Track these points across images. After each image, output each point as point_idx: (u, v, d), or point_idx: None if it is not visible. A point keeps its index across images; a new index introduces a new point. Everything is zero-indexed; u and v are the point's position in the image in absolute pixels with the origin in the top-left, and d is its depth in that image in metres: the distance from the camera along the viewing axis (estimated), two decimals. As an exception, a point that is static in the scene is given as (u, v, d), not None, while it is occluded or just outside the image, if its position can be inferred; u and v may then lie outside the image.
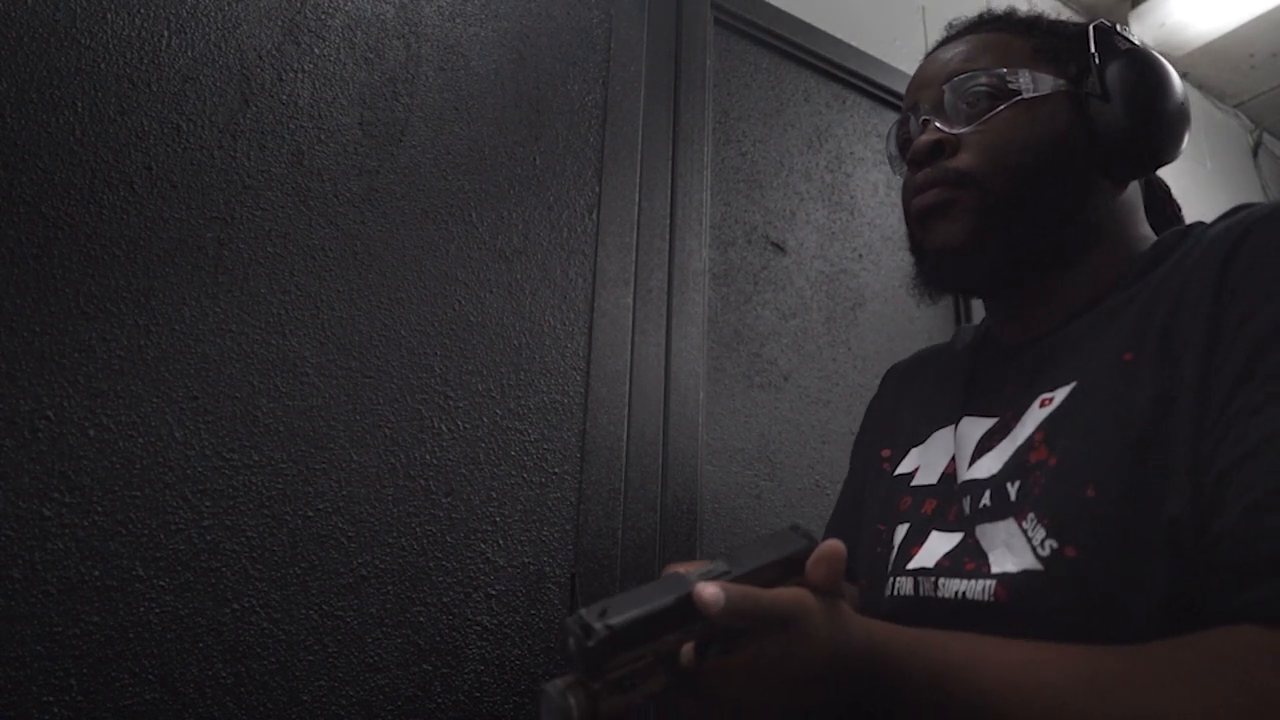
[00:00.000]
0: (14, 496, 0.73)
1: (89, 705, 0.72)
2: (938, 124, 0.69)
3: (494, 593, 0.94)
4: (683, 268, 1.22)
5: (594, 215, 1.16)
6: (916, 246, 0.72)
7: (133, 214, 0.84)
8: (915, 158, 0.69)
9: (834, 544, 0.51)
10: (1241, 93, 2.54)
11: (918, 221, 0.70)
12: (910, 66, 1.70)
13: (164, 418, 0.81)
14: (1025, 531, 0.56)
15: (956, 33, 0.75)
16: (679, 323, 1.19)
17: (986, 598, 0.57)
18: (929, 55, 0.75)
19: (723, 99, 1.38)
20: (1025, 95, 0.66)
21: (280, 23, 0.98)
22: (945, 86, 0.69)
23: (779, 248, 1.36)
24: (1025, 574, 0.55)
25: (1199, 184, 2.41)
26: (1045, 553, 0.55)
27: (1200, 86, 2.51)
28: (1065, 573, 0.53)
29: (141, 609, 0.76)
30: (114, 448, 0.78)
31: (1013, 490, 0.59)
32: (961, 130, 0.68)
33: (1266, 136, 2.71)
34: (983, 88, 0.67)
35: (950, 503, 0.66)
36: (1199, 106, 2.53)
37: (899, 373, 0.89)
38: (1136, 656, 0.46)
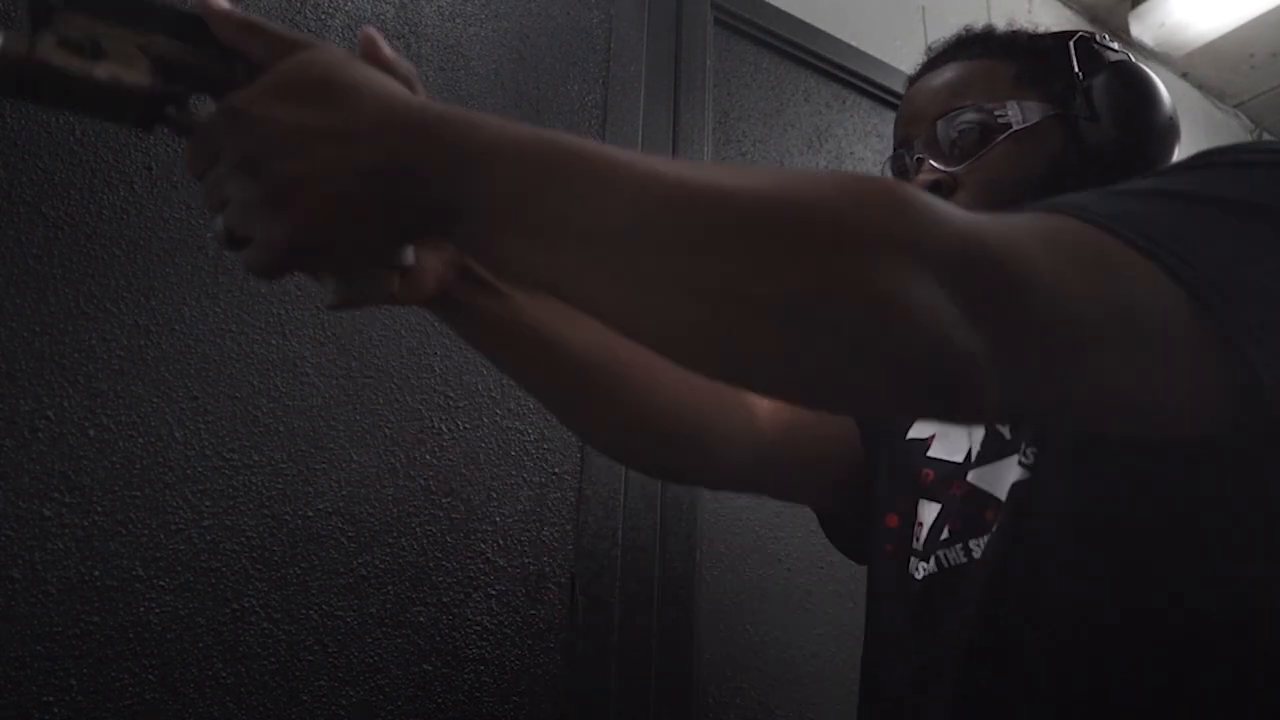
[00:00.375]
0: (14, 496, 0.73)
1: (89, 705, 0.72)
2: (933, 162, 0.70)
3: (494, 593, 0.94)
4: (683, 268, 1.22)
5: (594, 215, 1.16)
6: None
7: (133, 214, 0.84)
8: None
9: (367, 30, 0.50)
10: (1241, 93, 2.54)
11: None
12: (910, 66, 1.70)
13: (164, 418, 0.81)
14: (1024, 464, 0.59)
15: (939, 57, 0.76)
16: (679, 323, 1.19)
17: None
18: (915, 84, 0.76)
19: (723, 99, 1.38)
20: (1016, 128, 0.67)
21: (280, 23, 0.98)
22: (937, 123, 0.70)
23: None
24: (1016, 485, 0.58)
25: (1199, 184, 2.40)
26: (1029, 460, 0.57)
27: (1200, 86, 2.51)
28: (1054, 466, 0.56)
29: (141, 609, 0.76)
30: (114, 448, 0.78)
31: (1005, 429, 0.62)
32: (957, 169, 0.69)
33: (1266, 136, 2.71)
34: (973, 123, 0.68)
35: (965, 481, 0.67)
36: (1199, 106, 2.53)
37: None
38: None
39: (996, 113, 0.68)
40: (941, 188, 0.69)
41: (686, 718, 1.03)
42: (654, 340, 0.42)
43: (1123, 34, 2.26)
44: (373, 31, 0.51)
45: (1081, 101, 0.67)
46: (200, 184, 0.46)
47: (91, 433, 0.77)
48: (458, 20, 1.11)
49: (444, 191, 0.41)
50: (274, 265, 0.44)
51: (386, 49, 0.50)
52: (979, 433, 0.67)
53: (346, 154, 0.41)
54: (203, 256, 0.87)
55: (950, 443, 0.70)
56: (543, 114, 1.15)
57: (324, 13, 1.01)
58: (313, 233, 0.42)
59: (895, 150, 0.77)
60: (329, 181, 0.41)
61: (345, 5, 1.03)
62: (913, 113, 0.74)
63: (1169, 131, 0.69)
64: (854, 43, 1.61)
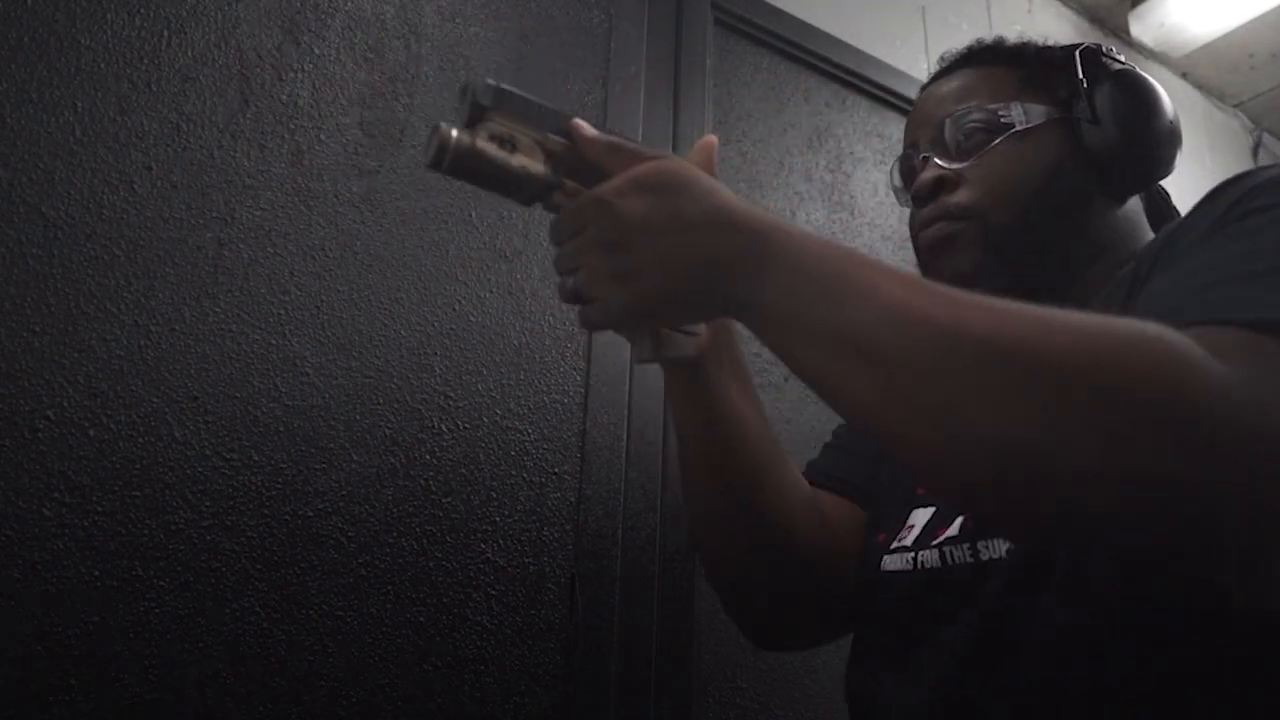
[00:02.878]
0: (14, 496, 0.73)
1: (89, 705, 0.72)
2: (937, 160, 0.71)
3: (494, 593, 0.94)
4: (683, 268, 1.22)
5: (594, 215, 1.16)
6: (924, 274, 0.75)
7: (133, 214, 0.84)
8: (918, 194, 0.73)
9: (709, 139, 0.63)
10: (1241, 93, 2.54)
11: (925, 255, 0.73)
12: (910, 66, 1.70)
13: (164, 418, 0.81)
14: None
15: (949, 66, 0.78)
16: (679, 323, 1.19)
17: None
18: (925, 90, 0.79)
19: (723, 99, 1.38)
20: (1019, 128, 0.69)
21: (280, 23, 0.98)
22: (943, 124, 0.72)
23: (779, 248, 1.36)
24: None
25: (1199, 184, 2.40)
26: None
27: (1200, 86, 2.51)
28: None
29: (141, 609, 0.76)
30: (114, 448, 0.78)
31: None
32: (960, 166, 0.70)
33: (1266, 136, 2.71)
34: (978, 123, 0.70)
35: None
36: (1199, 106, 2.53)
37: None
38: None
39: (1000, 113, 0.70)
40: (945, 184, 0.71)
41: (686, 718, 1.03)
42: (935, 472, 0.46)
43: (1122, 34, 2.26)
44: (712, 140, 0.64)
45: (1084, 105, 0.69)
46: (557, 249, 0.58)
47: (91, 433, 0.77)
48: (458, 20, 1.11)
49: (745, 287, 0.50)
50: (609, 325, 0.56)
51: (715, 159, 0.63)
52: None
53: (684, 243, 0.51)
54: (203, 256, 0.87)
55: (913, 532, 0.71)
56: (543, 114, 1.15)
57: (324, 13, 1.01)
58: (647, 303, 0.53)
59: (904, 151, 0.79)
60: (668, 264, 0.51)
61: (345, 5, 1.03)
62: (921, 116, 0.77)
63: (1170, 137, 0.71)
64: (854, 43, 1.61)
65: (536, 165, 0.57)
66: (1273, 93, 2.53)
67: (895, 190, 0.83)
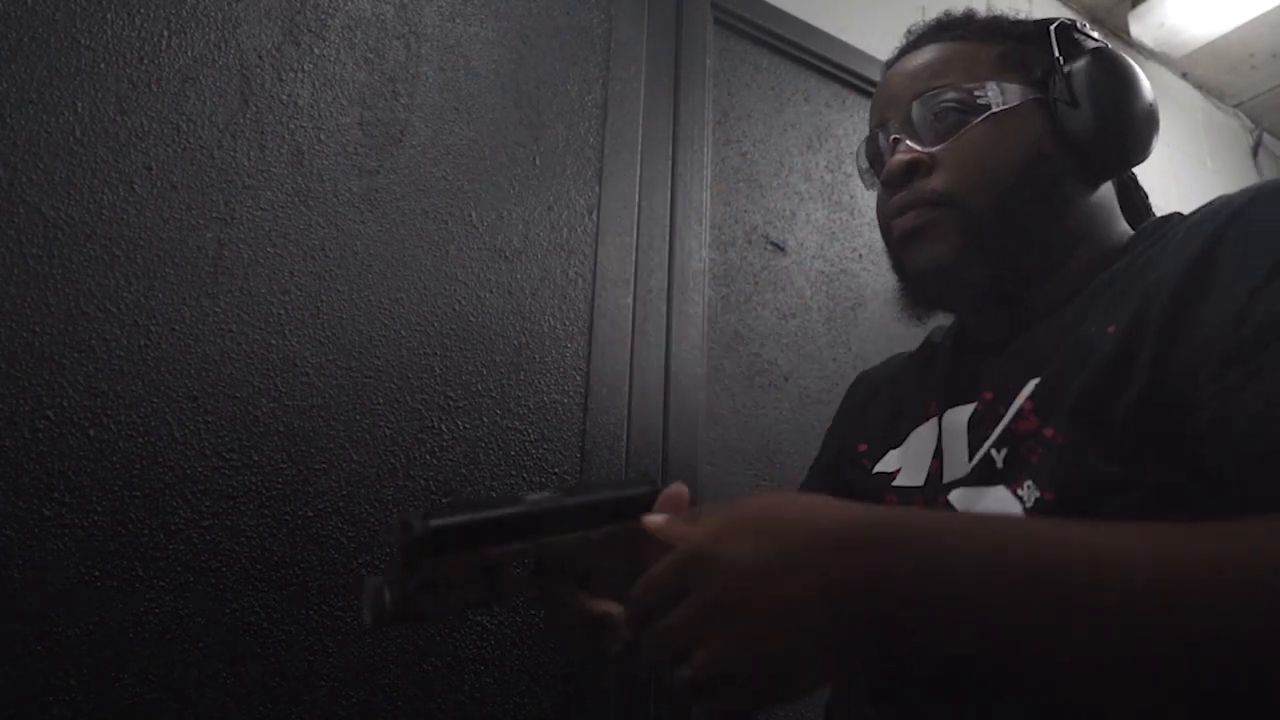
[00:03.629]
0: (14, 496, 0.73)
1: (89, 705, 0.72)
2: (909, 142, 0.68)
3: (494, 593, 0.94)
4: (683, 268, 1.22)
5: (594, 215, 1.16)
6: (898, 266, 0.72)
7: (133, 214, 0.84)
8: (890, 179, 0.69)
9: (679, 486, 0.51)
10: (1241, 93, 2.54)
11: (898, 244, 0.70)
12: (910, 66, 1.70)
13: (164, 418, 0.81)
14: (1021, 498, 0.56)
15: (917, 40, 0.74)
16: (679, 323, 1.19)
17: None
18: (892, 67, 0.75)
19: (723, 99, 1.38)
20: (995, 109, 0.66)
21: (280, 23, 0.98)
22: (914, 103, 0.68)
23: (779, 248, 1.36)
24: None
25: (1199, 184, 2.41)
26: (1029, 502, 0.55)
27: (1200, 86, 2.51)
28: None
29: (141, 609, 0.76)
30: (114, 448, 0.78)
31: (999, 457, 0.58)
32: (934, 149, 0.67)
33: (1266, 136, 2.71)
34: (952, 104, 0.66)
35: (937, 504, 0.65)
36: (1199, 106, 2.53)
37: (869, 378, 0.88)
38: (1224, 538, 0.42)
39: (976, 93, 0.66)
40: (919, 168, 0.67)
41: (687, 718, 1.03)
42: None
43: (1122, 34, 2.26)
44: (682, 490, 0.53)
45: (1062, 86, 0.66)
46: (644, 637, 0.45)
47: (91, 433, 0.77)
48: (458, 20, 1.11)
49: (907, 608, 0.41)
50: (757, 706, 0.43)
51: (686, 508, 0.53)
52: (959, 453, 0.65)
53: (816, 579, 0.41)
54: (203, 256, 0.87)
55: (912, 473, 0.70)
56: (543, 114, 1.15)
57: (324, 13, 1.01)
58: (798, 663, 0.42)
59: (871, 131, 0.74)
60: (808, 611, 0.41)
61: (345, 5, 1.03)
62: (890, 95, 0.72)
63: (1148, 120, 0.67)
64: (854, 43, 1.61)
65: (475, 594, 0.47)
66: (1273, 93, 2.53)
67: (862, 172, 0.78)
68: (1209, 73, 2.43)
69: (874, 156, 0.75)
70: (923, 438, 0.71)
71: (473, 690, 0.90)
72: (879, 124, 0.73)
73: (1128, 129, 0.66)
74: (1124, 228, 0.70)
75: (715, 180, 1.32)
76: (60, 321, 0.78)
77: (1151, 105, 0.67)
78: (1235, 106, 2.60)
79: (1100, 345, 0.56)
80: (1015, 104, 0.66)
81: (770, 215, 1.37)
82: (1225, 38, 2.28)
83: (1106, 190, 0.70)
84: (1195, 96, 2.49)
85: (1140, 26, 2.25)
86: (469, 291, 1.02)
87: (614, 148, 1.20)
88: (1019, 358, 0.65)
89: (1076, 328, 0.61)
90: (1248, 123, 2.65)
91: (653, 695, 1.00)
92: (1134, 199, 0.75)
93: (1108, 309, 0.59)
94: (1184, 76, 2.43)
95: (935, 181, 0.66)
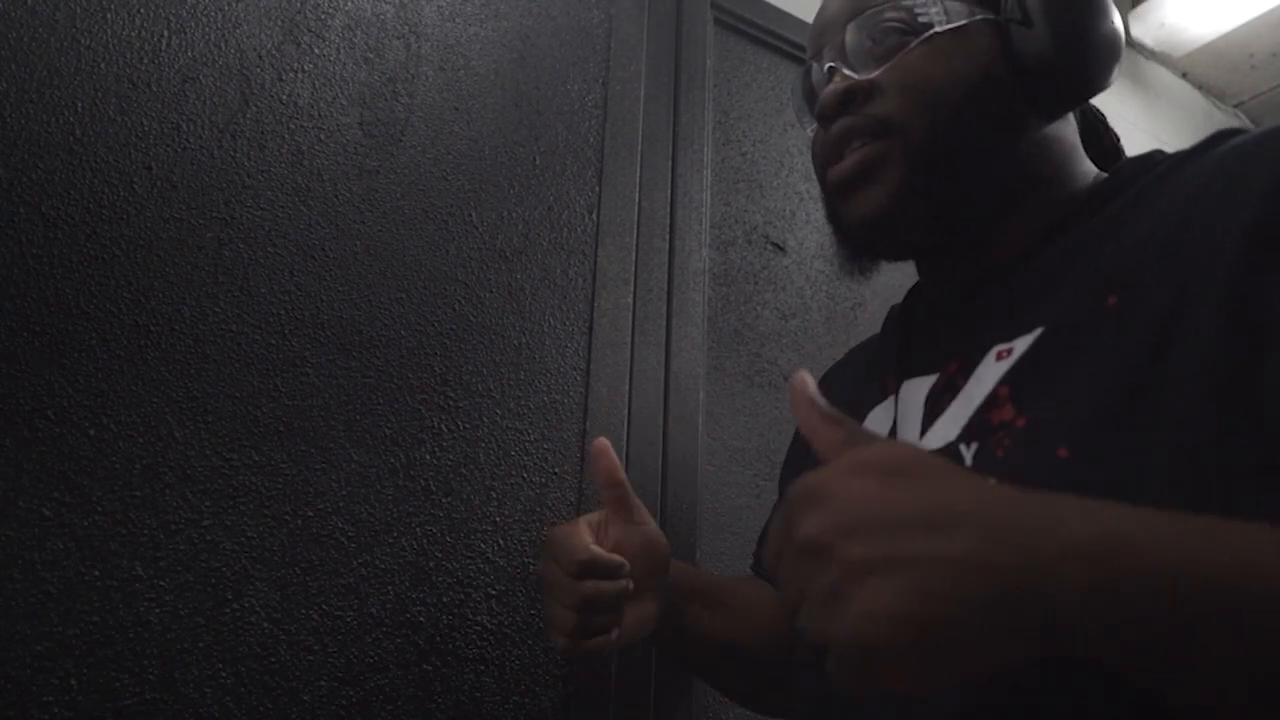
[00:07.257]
0: (14, 496, 0.73)
1: (89, 705, 0.72)
2: (845, 70, 0.62)
3: (494, 593, 0.94)
4: (683, 268, 1.22)
5: (594, 215, 1.16)
6: (833, 216, 0.67)
7: (133, 214, 0.84)
8: (824, 111, 0.63)
9: (600, 441, 0.58)
10: (1241, 93, 2.54)
11: (836, 191, 0.64)
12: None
13: (164, 418, 0.81)
14: None
15: None
16: (679, 323, 1.19)
17: None
18: None
19: (723, 99, 1.38)
20: (939, 28, 0.59)
21: (280, 23, 0.98)
22: (849, 26, 0.62)
23: (779, 248, 1.36)
24: None
25: (1199, 184, 2.40)
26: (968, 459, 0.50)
27: (1200, 86, 2.51)
28: None
29: (141, 609, 0.76)
30: (114, 448, 0.78)
31: (968, 454, 0.52)
32: (872, 75, 0.60)
33: (1266, 136, 2.71)
34: (891, 23, 0.60)
35: None
36: (1199, 106, 2.53)
37: (827, 379, 0.84)
38: None
39: (917, 11, 0.60)
40: (855, 96, 0.61)
41: (687, 718, 1.03)
42: None
43: (1123, 34, 2.26)
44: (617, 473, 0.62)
45: (1014, 3, 0.60)
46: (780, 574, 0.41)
47: (91, 433, 0.77)
48: (458, 20, 1.11)
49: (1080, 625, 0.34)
50: (871, 675, 0.35)
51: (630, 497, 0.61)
52: (911, 431, 0.60)
53: (947, 546, 0.35)
54: (203, 256, 0.87)
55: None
56: (543, 114, 1.15)
57: (324, 13, 1.01)
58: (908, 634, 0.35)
59: (806, 64, 0.69)
60: (925, 581, 0.35)
61: (345, 5, 1.03)
62: (825, 20, 0.66)
63: (1111, 44, 0.60)
64: (854, 43, 1.61)
65: None
66: (1273, 93, 2.53)
67: (798, 113, 0.72)
68: (1209, 73, 2.43)
69: (808, 92, 0.69)
70: (879, 419, 0.66)
71: (473, 690, 0.90)
72: (814, 54, 0.67)
73: (1087, 52, 0.59)
74: (1087, 167, 0.64)
75: (715, 180, 1.32)
76: (60, 321, 0.78)
77: (1114, 27, 0.61)
78: (1235, 106, 2.60)
79: (1095, 320, 0.49)
80: (961, 23, 0.60)
81: (770, 215, 1.37)
82: (1225, 38, 2.28)
83: (1067, 125, 0.64)
84: (1195, 96, 2.49)
85: (1140, 26, 2.25)
86: (469, 291, 1.02)
87: (614, 148, 1.20)
88: (978, 321, 0.59)
89: (1059, 287, 0.54)
90: (1248, 123, 2.65)
91: (653, 695, 1.00)
92: (1101, 137, 0.69)
93: (1104, 271, 0.51)
94: (1184, 76, 2.43)
95: (875, 108, 0.60)
